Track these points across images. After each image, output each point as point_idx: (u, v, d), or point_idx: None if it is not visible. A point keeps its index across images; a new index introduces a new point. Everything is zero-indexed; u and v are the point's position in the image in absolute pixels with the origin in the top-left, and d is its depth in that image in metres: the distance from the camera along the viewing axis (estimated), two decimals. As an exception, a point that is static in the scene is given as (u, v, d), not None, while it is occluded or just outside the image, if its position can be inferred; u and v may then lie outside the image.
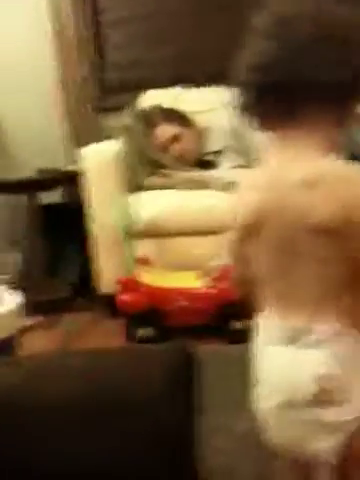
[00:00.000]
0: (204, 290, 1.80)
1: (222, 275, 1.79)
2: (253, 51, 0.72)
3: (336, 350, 0.68)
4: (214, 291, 1.78)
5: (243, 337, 1.88)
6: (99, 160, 2.09)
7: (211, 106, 2.30)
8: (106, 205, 2.08)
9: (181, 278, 1.86)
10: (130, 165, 2.16)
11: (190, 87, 2.41)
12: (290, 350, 0.70)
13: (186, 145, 2.16)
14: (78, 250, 2.54)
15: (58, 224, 2.58)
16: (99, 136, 2.74)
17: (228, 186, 2.02)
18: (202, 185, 2.02)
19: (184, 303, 1.78)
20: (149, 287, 1.81)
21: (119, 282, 1.84)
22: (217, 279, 1.78)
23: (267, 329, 0.74)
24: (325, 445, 0.70)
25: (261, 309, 0.76)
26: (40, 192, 2.41)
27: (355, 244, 0.67)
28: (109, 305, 2.22)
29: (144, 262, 1.94)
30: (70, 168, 2.43)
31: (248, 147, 2.00)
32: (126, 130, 2.19)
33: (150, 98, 2.44)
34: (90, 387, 0.78)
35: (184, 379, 0.83)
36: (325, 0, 0.73)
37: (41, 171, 2.37)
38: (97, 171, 2.09)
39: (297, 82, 0.69)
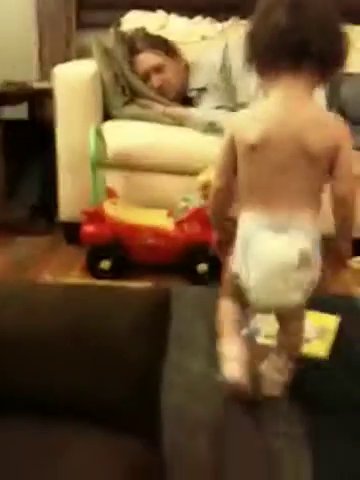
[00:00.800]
0: (172, 230, 1.77)
1: (191, 217, 1.77)
2: (277, 19, 1.00)
3: (308, 232, 1.05)
4: (182, 232, 1.77)
5: (207, 280, 1.90)
6: (73, 80, 1.97)
7: (200, 39, 2.19)
8: (75, 129, 1.98)
9: (149, 215, 1.83)
10: (106, 90, 2.04)
11: (179, 14, 2.28)
12: (279, 235, 1.04)
13: (169, 77, 2.05)
14: (40, 171, 2.44)
15: (20, 142, 2.44)
16: (75, 54, 2.59)
17: (206, 127, 1.96)
18: (179, 122, 1.95)
19: (150, 241, 1.75)
20: (116, 220, 1.76)
21: (85, 212, 1.78)
22: (186, 220, 1.77)
23: (255, 223, 1.06)
24: (298, 298, 1.07)
25: (245, 209, 1.08)
26: (3, 106, 2.26)
27: (327, 166, 1.04)
28: (68, 232, 2.17)
29: (111, 194, 1.89)
30: (40, 85, 2.28)
31: (234, 87, 1.93)
32: (105, 52, 2.05)
33: (133, 20, 2.28)
34: (62, 322, 0.76)
35: (162, 321, 0.82)
36: None
37: (8, 84, 2.21)
38: (69, 92, 1.97)
39: (308, 46, 0.99)
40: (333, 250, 1.12)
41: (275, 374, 1.18)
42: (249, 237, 1.06)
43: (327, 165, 1.04)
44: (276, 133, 1.02)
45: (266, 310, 1.18)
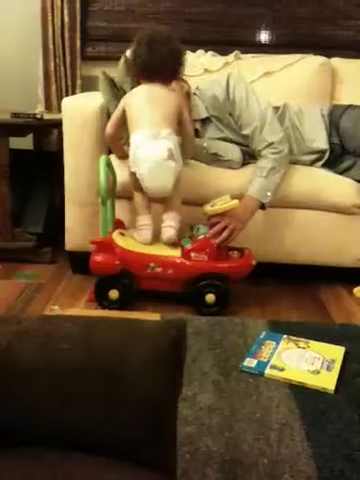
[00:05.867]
0: (178, 259, 1.79)
1: (198, 246, 1.79)
2: (146, 52, 1.84)
3: (171, 139, 1.72)
4: (189, 261, 1.79)
5: (213, 310, 1.90)
6: (80, 112, 2.01)
7: (202, 72, 2.23)
8: (82, 160, 2.02)
9: (157, 245, 1.84)
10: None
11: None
12: (155, 141, 1.70)
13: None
14: (45, 200, 2.46)
15: (26, 171, 2.48)
16: (80, 86, 2.64)
17: (210, 157, 2.00)
18: (183, 152, 1.99)
19: (158, 270, 1.76)
20: (124, 250, 1.78)
21: (93, 242, 1.80)
22: (193, 250, 1.79)
23: (142, 136, 1.72)
24: (172, 181, 1.72)
25: (136, 129, 1.76)
26: (11, 137, 2.29)
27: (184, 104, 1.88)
28: (74, 262, 2.19)
29: (119, 225, 1.91)
30: (47, 116, 2.32)
31: (237, 119, 1.96)
32: (112, 84, 2.10)
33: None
34: (81, 355, 0.76)
35: (179, 354, 0.83)
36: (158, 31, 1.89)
37: (15, 115, 2.25)
38: (77, 123, 2.01)
39: (163, 66, 1.84)
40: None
41: (169, 224, 1.82)
42: (137, 146, 1.71)
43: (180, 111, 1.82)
44: (148, 93, 1.81)
45: (156, 192, 1.76)
